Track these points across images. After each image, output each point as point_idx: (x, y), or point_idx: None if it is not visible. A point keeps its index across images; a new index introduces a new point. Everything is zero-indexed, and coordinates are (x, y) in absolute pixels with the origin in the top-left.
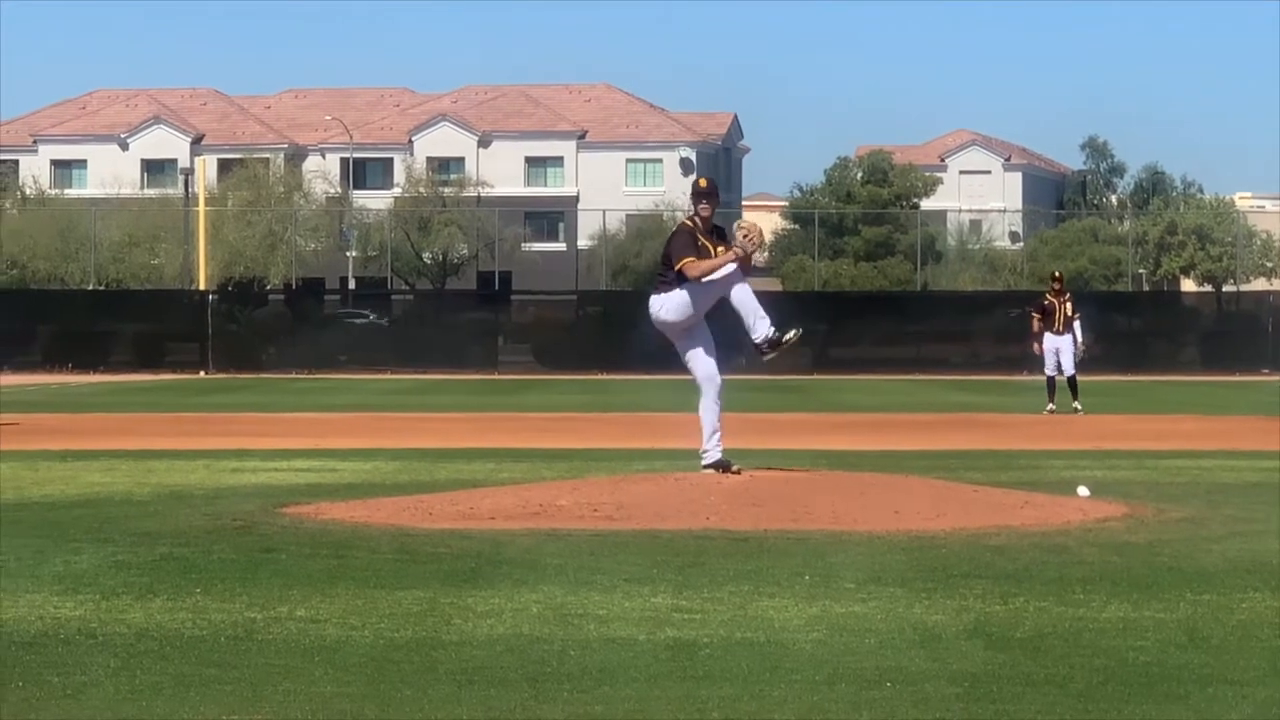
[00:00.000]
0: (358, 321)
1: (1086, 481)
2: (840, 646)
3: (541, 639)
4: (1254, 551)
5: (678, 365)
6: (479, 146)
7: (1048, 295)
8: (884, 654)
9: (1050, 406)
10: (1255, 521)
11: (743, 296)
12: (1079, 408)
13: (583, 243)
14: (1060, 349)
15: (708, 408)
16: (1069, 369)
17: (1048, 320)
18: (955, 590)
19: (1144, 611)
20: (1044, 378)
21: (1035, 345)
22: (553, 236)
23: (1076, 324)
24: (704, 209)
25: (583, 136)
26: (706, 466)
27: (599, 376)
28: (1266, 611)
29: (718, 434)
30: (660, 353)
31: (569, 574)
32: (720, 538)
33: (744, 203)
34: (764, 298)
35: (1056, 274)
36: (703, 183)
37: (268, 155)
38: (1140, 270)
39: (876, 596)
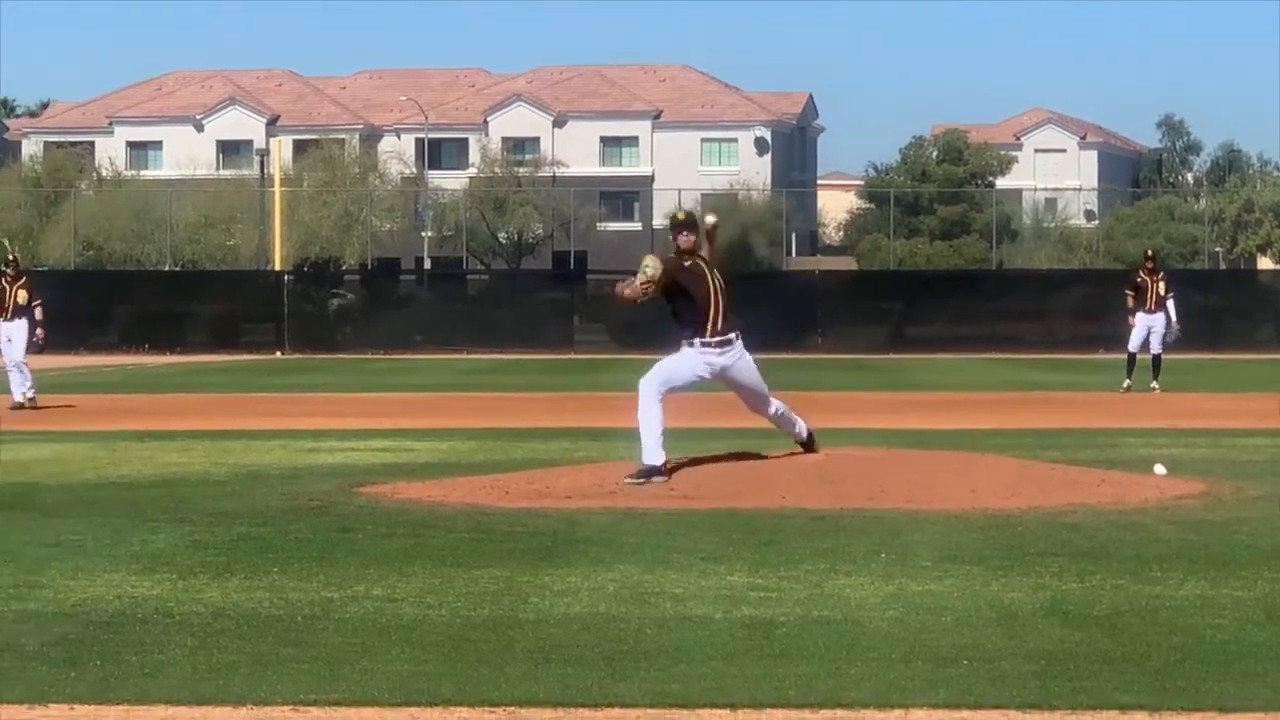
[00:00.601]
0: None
1: (1163, 459)
2: (916, 624)
3: (618, 617)
4: None
5: (750, 344)
6: (554, 126)
7: (1140, 273)
8: (960, 632)
9: (1126, 383)
10: None
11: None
12: (1156, 387)
13: (657, 222)
14: (1151, 328)
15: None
16: (1156, 348)
17: (1140, 298)
18: (1032, 568)
19: (1221, 589)
20: (1125, 354)
21: (1130, 319)
22: (628, 216)
23: (1170, 304)
24: (683, 240)
25: (658, 116)
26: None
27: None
28: None
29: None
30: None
31: (645, 552)
32: (796, 516)
33: (819, 181)
34: (840, 277)
35: (1149, 253)
36: (680, 215)
37: (343, 136)
38: (1216, 248)
39: (953, 574)
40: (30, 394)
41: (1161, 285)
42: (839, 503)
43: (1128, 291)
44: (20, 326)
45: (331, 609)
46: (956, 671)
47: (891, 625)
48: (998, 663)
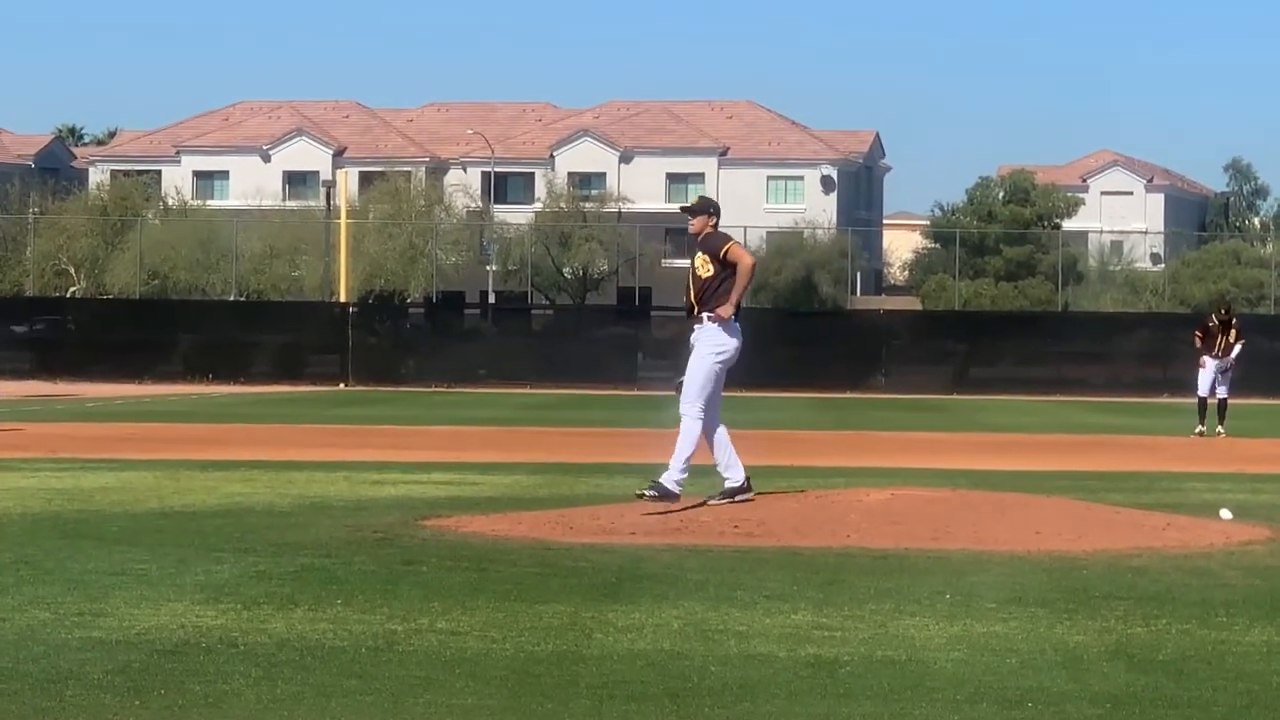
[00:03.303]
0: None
1: (1230, 504)
2: (981, 666)
3: (682, 654)
4: None
5: (814, 382)
6: (620, 162)
7: (1213, 318)
8: (1025, 674)
9: (1200, 429)
10: None
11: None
12: (1221, 431)
13: None
14: (1220, 372)
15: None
16: (1222, 393)
17: (1208, 343)
18: (1097, 611)
19: None
20: (1196, 399)
21: (1199, 362)
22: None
23: (1237, 347)
24: (692, 225)
25: (724, 153)
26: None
27: (739, 394)
28: None
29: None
30: (797, 369)
31: (710, 590)
32: (860, 555)
33: (885, 221)
34: (905, 317)
35: (1228, 302)
36: (695, 201)
37: (409, 169)
38: None
39: (1018, 616)
40: None
41: (1234, 332)
42: (903, 543)
43: (1197, 333)
44: None
45: (395, 641)
46: (1021, 714)
47: (956, 666)
48: (1063, 705)
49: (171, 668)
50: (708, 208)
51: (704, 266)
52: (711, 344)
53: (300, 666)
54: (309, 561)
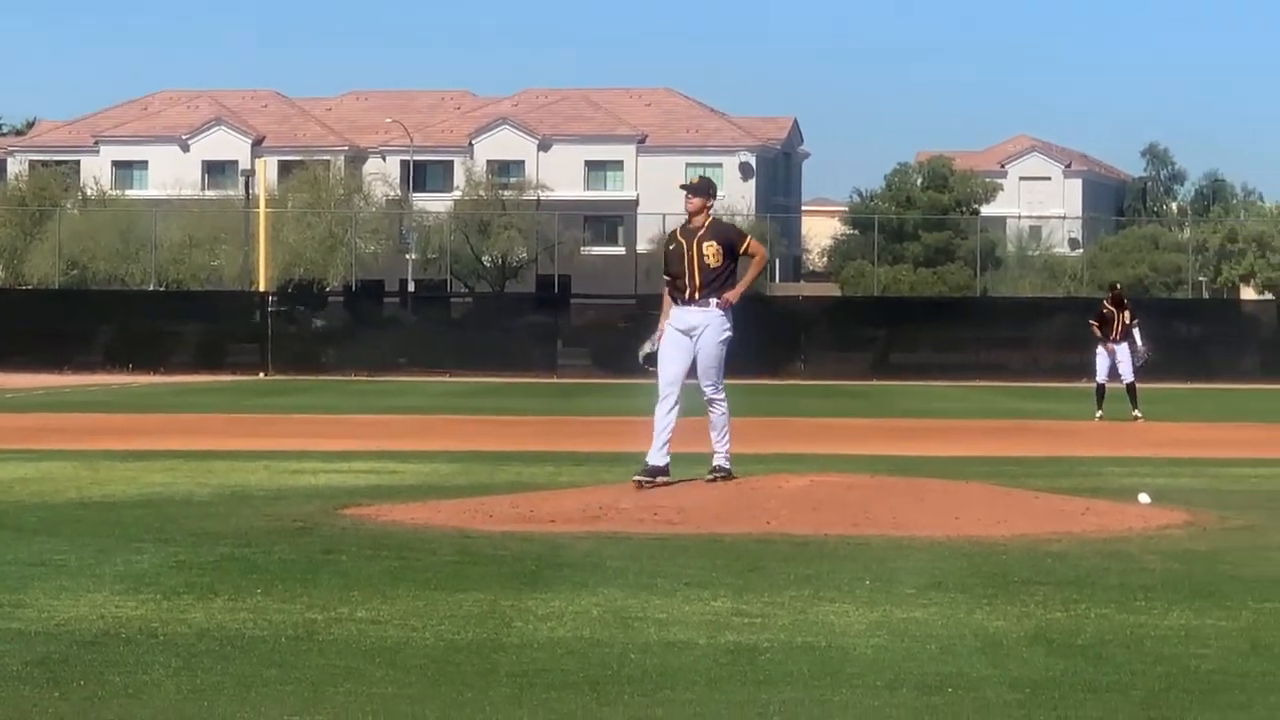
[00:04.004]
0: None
1: (1148, 489)
2: (901, 652)
3: (602, 642)
4: None
5: (732, 369)
6: (539, 150)
7: (1106, 305)
8: (945, 659)
9: (1099, 414)
10: None
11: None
12: (1139, 415)
13: (642, 246)
14: (1117, 358)
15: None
16: (1127, 376)
17: (1105, 329)
18: (1016, 596)
19: (1206, 619)
20: (1095, 386)
21: (1100, 350)
22: (612, 240)
23: (1135, 331)
24: (691, 203)
25: (643, 140)
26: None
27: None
28: None
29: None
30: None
31: (629, 577)
32: (780, 542)
33: (803, 207)
34: (823, 303)
35: (1116, 285)
36: (695, 180)
37: (328, 158)
38: (1200, 278)
39: (937, 602)
40: None
41: (1127, 314)
42: (823, 529)
43: (1093, 322)
44: None
45: (315, 631)
46: (941, 699)
47: (876, 652)
48: (982, 691)
49: (91, 659)
50: (709, 189)
51: (715, 256)
52: (720, 329)
53: (220, 656)
54: (229, 551)
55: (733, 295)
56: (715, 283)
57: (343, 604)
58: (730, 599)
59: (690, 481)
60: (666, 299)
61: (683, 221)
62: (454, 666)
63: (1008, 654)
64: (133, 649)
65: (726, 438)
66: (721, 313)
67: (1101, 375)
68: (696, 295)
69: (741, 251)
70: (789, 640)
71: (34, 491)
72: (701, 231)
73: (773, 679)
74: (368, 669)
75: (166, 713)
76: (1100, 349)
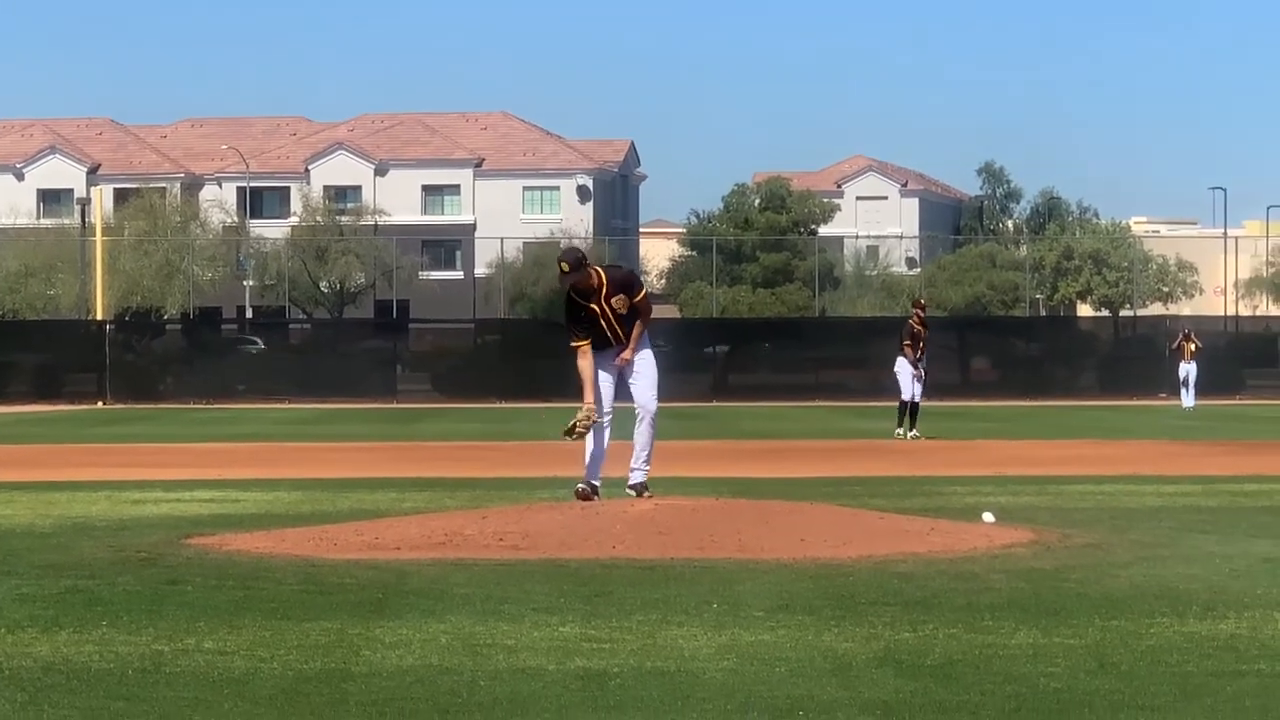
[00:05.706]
0: (251, 350)
1: (991, 507)
2: (751, 675)
3: (451, 669)
4: (1160, 577)
5: (571, 393)
6: (376, 175)
7: (915, 323)
8: (795, 682)
9: (914, 433)
10: (1160, 546)
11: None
12: (918, 434)
13: (480, 271)
14: (920, 376)
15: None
16: (918, 395)
17: (915, 348)
18: (864, 618)
19: (1053, 638)
20: (898, 404)
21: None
22: (450, 265)
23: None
24: (571, 277)
25: (479, 164)
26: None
27: (497, 405)
28: (1174, 637)
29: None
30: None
31: (476, 604)
32: (627, 566)
33: (641, 229)
34: (662, 324)
35: (922, 301)
36: (563, 265)
37: (164, 185)
38: (1037, 295)
39: (785, 625)
40: None
41: (926, 333)
42: (669, 552)
43: (906, 342)
44: None
45: (162, 663)
46: None
47: (726, 676)
48: (833, 713)
49: None
50: (581, 258)
51: (622, 304)
52: (650, 351)
53: (67, 690)
54: (72, 583)
55: (627, 354)
56: (629, 322)
57: (189, 635)
58: (578, 624)
59: (534, 505)
60: (587, 363)
61: (568, 285)
62: (303, 697)
63: (858, 676)
64: None
65: (648, 451)
66: (645, 337)
67: (907, 393)
68: (624, 340)
69: (634, 301)
70: (638, 665)
71: None
72: (604, 289)
73: (623, 704)
74: (216, 700)
75: None
76: (905, 364)
